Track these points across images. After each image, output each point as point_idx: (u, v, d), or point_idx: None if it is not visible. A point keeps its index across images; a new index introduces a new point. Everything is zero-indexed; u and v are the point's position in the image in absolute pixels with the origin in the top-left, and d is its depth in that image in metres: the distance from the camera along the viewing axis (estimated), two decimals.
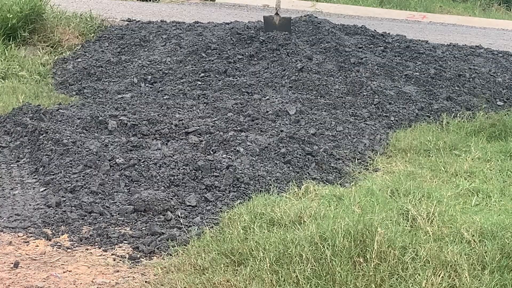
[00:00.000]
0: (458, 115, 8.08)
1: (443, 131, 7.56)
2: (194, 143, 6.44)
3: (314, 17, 10.86)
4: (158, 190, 5.41)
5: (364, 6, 17.95)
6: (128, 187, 5.47)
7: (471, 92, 8.89)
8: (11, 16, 10.34)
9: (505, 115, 8.11)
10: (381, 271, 4.10)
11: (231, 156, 6.09)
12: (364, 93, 8.40)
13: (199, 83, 8.58)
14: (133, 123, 6.85)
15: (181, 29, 10.96)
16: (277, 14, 10.02)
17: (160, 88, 8.50)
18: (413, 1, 20.48)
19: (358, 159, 6.63)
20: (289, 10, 11.69)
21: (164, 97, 8.10)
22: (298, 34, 9.82)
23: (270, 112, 7.35)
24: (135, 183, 5.52)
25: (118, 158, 5.82)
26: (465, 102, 8.57)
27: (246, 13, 13.05)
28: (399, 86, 8.74)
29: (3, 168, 5.87)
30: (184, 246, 4.56)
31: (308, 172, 6.08)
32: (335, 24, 10.70)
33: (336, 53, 9.34)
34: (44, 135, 6.31)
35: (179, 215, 5.10)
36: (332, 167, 6.29)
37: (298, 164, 6.19)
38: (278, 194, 5.46)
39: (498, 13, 22.21)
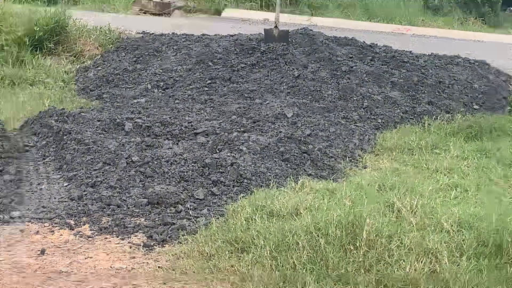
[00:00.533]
0: (438, 117, 8.10)
1: (425, 132, 7.57)
2: (202, 143, 6.45)
3: (309, 30, 10.85)
4: (169, 185, 5.41)
5: (354, 20, 17.94)
6: (143, 182, 5.47)
7: (450, 97, 8.89)
8: (38, 29, 10.37)
9: (481, 117, 8.11)
10: (370, 257, 4.11)
11: (235, 154, 6.09)
12: (354, 98, 8.40)
13: (206, 89, 8.58)
14: (147, 125, 6.86)
15: (190, 41, 10.95)
16: (276, 27, 10.02)
17: (172, 94, 8.50)
18: (398, 16, 20.45)
19: (348, 157, 6.64)
20: (287, 23, 11.67)
21: (175, 102, 8.10)
22: (295, 45, 9.81)
23: (270, 115, 7.35)
24: (149, 179, 5.52)
25: (133, 156, 5.82)
26: (444, 106, 8.57)
27: (249, 26, 13.02)
28: (386, 92, 8.74)
29: (31, 165, 5.87)
30: (193, 235, 4.57)
31: (304, 169, 6.08)
32: (328, 36, 10.69)
33: (329, 62, 9.33)
34: (67, 135, 6.32)
35: (189, 207, 5.11)
36: (326, 164, 6.29)
37: (295, 161, 6.19)
38: (277, 188, 5.46)
39: (475, 26, 22.17)
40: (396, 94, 8.74)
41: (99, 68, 9.99)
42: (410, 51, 10.62)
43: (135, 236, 4.60)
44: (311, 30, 10.93)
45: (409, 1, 25.77)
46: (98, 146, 6.04)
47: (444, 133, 7.58)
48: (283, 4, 15.95)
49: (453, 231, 4.54)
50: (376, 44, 10.69)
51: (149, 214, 4.96)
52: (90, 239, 4.53)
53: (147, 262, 4.20)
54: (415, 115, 8.23)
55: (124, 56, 10.38)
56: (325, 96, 8.31)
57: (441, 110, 8.42)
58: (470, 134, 7.59)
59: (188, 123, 7.00)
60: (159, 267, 4.13)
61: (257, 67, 9.12)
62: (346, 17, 18.54)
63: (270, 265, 4.02)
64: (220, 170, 5.70)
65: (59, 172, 5.79)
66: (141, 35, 11.56)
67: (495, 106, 8.82)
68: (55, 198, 5.22)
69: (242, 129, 6.92)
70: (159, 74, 9.27)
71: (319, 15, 18.06)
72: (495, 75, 9.94)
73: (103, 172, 5.63)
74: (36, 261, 4.15)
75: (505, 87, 9.41)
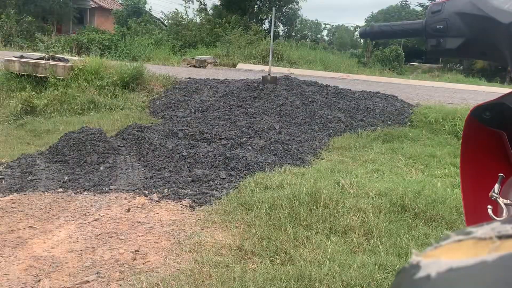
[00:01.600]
0: (366, 129, 8.10)
1: (359, 138, 7.58)
2: (224, 144, 6.45)
3: (289, 76, 10.86)
4: (205, 169, 5.41)
5: (316, 70, 18.01)
6: (189, 168, 5.47)
7: (373, 117, 8.89)
8: (126, 76, 10.42)
9: (392, 129, 8.13)
10: (325, 213, 4.11)
11: (244, 151, 6.09)
12: (316, 117, 8.40)
13: (227, 112, 8.58)
14: (191, 133, 6.86)
15: (217, 82, 10.96)
16: (269, 74, 10.02)
17: (206, 115, 8.50)
18: (342, 67, 20.52)
19: (312, 153, 6.64)
20: (276, 72, 11.66)
21: (208, 120, 8.10)
22: (280, 85, 9.81)
23: (265, 127, 7.36)
24: (192, 166, 5.52)
25: (183, 152, 5.82)
26: (370, 122, 8.56)
27: (253, 74, 13.01)
28: (335, 113, 8.73)
29: (122, 158, 5.89)
30: (219, 200, 4.58)
31: (286, 160, 6.07)
32: (300, 80, 10.68)
33: (301, 96, 9.34)
34: (143, 140, 6.33)
35: (216, 183, 5.11)
36: (299, 157, 6.29)
37: (280, 155, 6.19)
38: (270, 172, 5.47)
39: (389, 73, 22.25)
40: (341, 115, 8.74)
41: (163, 99, 9.99)
42: (349, 89, 10.62)
43: (184, 200, 4.60)
44: (290, 76, 10.95)
45: (348, 59, 25.89)
46: (162, 146, 6.04)
47: (370, 138, 7.59)
48: (273, 61, 15.99)
49: (375, 197, 4.55)
50: (329, 85, 10.69)
51: (193, 187, 4.96)
52: (157, 202, 4.54)
53: (191, 216, 4.21)
54: (353, 127, 8.23)
55: (177, 92, 10.39)
56: (298, 116, 8.31)
57: (368, 124, 8.42)
58: (386, 138, 7.61)
59: (216, 132, 7.00)
60: (199, 219, 4.14)
61: (257, 99, 9.12)
62: (311, 69, 18.60)
63: (266, 218, 4.02)
64: (235, 161, 5.70)
65: (138, 162, 5.80)
66: (188, 79, 11.57)
67: (400, 122, 8.81)
68: (135, 177, 5.24)
69: (248, 136, 6.92)
70: (198, 103, 9.27)
71: (294, 67, 18.13)
72: (401, 103, 9.94)
73: (165, 162, 5.64)
74: (125, 215, 4.17)
75: (407, 110, 9.40)
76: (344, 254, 3.46)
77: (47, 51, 15.70)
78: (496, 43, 1.07)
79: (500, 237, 0.40)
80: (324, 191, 4.41)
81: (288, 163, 5.94)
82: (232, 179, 5.28)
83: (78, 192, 4.76)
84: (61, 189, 4.80)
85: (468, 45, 1.17)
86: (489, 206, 1.12)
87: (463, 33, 1.16)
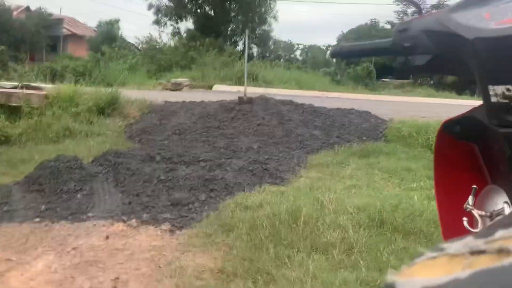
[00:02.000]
0: (343, 145, 8.16)
1: (335, 154, 7.63)
2: (203, 166, 6.41)
3: (265, 96, 10.92)
4: (184, 193, 5.37)
5: (291, 90, 18.19)
6: (168, 192, 5.42)
7: (349, 133, 8.98)
8: (101, 102, 10.35)
9: (368, 144, 8.21)
10: (306, 231, 4.11)
11: (223, 172, 6.06)
12: (293, 136, 8.45)
13: (205, 133, 8.57)
14: (169, 156, 6.81)
15: (193, 105, 10.94)
16: (245, 95, 10.09)
17: (184, 137, 8.48)
18: (317, 86, 20.76)
19: (291, 171, 6.65)
20: (252, 93, 11.69)
21: (186, 142, 8.08)
22: (256, 106, 9.86)
23: (243, 148, 7.37)
24: (171, 189, 5.47)
25: (161, 176, 5.77)
26: (346, 138, 8.65)
27: (229, 95, 13.01)
28: (311, 131, 8.80)
29: (99, 184, 5.81)
30: (199, 223, 4.54)
31: (265, 180, 6.07)
32: (276, 99, 10.76)
33: (277, 115, 9.40)
34: (120, 165, 6.26)
35: (196, 206, 5.07)
36: (278, 176, 6.29)
37: (259, 175, 6.19)
38: (249, 191, 5.46)
39: (362, 90, 22.58)
40: (317, 132, 8.81)
41: (139, 123, 9.92)
42: (325, 107, 10.73)
43: (164, 225, 4.54)
44: (266, 96, 11.02)
45: (322, 77, 26.22)
46: (139, 171, 5.98)
47: (347, 154, 7.65)
48: (249, 81, 16.09)
49: (354, 213, 4.56)
50: (304, 103, 10.78)
51: (172, 211, 4.90)
52: (136, 228, 4.47)
53: (172, 241, 4.17)
54: (329, 144, 8.29)
55: (154, 116, 10.33)
56: (275, 135, 8.35)
57: (344, 140, 8.49)
58: (362, 154, 7.66)
59: (194, 154, 6.96)
60: (179, 243, 4.09)
61: (234, 119, 9.14)
62: (286, 88, 18.78)
63: (246, 239, 4.00)
64: (214, 182, 5.67)
65: (116, 188, 5.72)
66: (164, 102, 11.53)
67: (375, 137, 8.91)
68: (114, 204, 5.17)
69: (227, 157, 6.90)
70: (176, 126, 9.24)
71: (270, 87, 18.27)
72: (375, 119, 10.07)
73: (143, 187, 5.58)
74: (103, 243, 4.10)
75: (381, 126, 9.52)
76: (326, 271, 3.45)
77: (21, 80, 15.50)
78: (462, 58, 1.09)
79: (473, 253, 0.40)
80: (303, 208, 4.41)
81: (267, 182, 5.94)
82: (211, 201, 5.25)
83: (55, 221, 4.66)
84: (38, 219, 4.70)
85: (436, 62, 1.19)
86: (464, 218, 1.14)
87: (430, 50, 1.19)
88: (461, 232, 1.12)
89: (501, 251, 0.39)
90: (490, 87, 1.01)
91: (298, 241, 3.94)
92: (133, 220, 4.65)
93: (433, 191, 1.34)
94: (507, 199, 1.08)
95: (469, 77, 1.16)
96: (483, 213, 1.12)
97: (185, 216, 4.77)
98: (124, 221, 4.62)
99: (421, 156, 7.71)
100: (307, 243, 3.92)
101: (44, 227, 4.49)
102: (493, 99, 1.02)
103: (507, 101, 0.99)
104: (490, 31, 0.98)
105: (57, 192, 5.43)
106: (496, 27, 0.98)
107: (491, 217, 1.10)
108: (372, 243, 3.93)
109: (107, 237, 4.20)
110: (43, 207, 5.02)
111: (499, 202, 1.11)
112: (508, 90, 0.97)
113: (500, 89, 0.99)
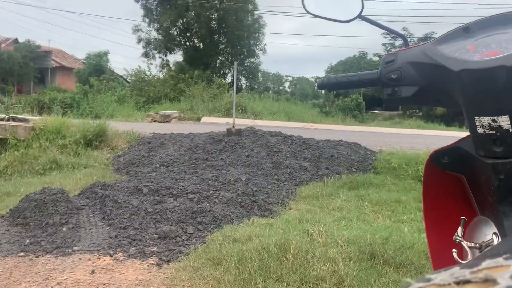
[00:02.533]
0: (332, 177, 8.18)
1: (325, 186, 7.64)
2: (191, 198, 6.38)
3: (253, 128, 10.97)
4: (171, 225, 5.32)
5: (280, 121, 18.30)
6: (155, 224, 5.37)
7: (338, 164, 9.02)
8: (89, 133, 10.33)
9: (357, 176, 8.23)
10: (295, 264, 4.08)
11: (211, 204, 6.04)
12: (282, 167, 8.46)
13: (193, 165, 8.55)
14: (157, 189, 6.77)
15: (182, 136, 10.96)
16: (233, 127, 10.13)
17: (171, 169, 8.45)
18: (306, 117, 20.92)
19: (280, 203, 6.64)
20: (240, 124, 11.75)
21: (174, 174, 8.04)
22: (245, 137, 9.90)
23: (232, 179, 7.34)
24: (158, 222, 5.42)
25: (149, 208, 5.73)
26: (335, 170, 8.68)
27: (217, 127, 13.08)
28: (300, 163, 8.83)
29: (85, 217, 5.74)
30: (187, 256, 4.49)
31: (253, 212, 6.05)
32: (265, 131, 10.81)
33: (266, 146, 9.43)
34: (107, 198, 6.21)
35: (183, 239, 5.02)
36: (267, 208, 6.28)
37: (248, 207, 6.17)
38: (237, 224, 5.43)
39: (351, 121, 22.77)
40: (306, 164, 8.83)
41: (127, 155, 9.89)
42: (313, 138, 10.79)
43: (151, 258, 4.49)
44: (254, 128, 11.07)
45: (311, 109, 26.45)
46: (127, 203, 5.94)
47: (336, 186, 7.66)
48: (237, 113, 16.18)
49: (344, 245, 4.55)
50: (293, 135, 10.84)
51: (159, 244, 4.85)
52: (122, 262, 4.41)
53: (159, 275, 4.11)
54: (318, 176, 8.31)
55: (142, 147, 10.32)
56: (264, 167, 8.35)
57: (334, 172, 8.52)
58: (351, 186, 7.68)
59: (182, 186, 6.93)
60: (166, 277, 4.04)
61: (223, 151, 9.15)
62: (275, 119, 18.89)
63: (235, 273, 3.96)
64: (202, 215, 5.64)
65: (102, 221, 5.67)
66: (152, 134, 11.53)
67: (365, 169, 8.95)
68: (100, 237, 5.10)
69: (215, 189, 6.87)
70: (163, 158, 9.22)
71: (258, 119, 18.38)
72: (364, 151, 10.13)
73: (130, 220, 5.52)
74: (89, 278, 4.03)
75: (371, 157, 9.58)
76: None
77: (7, 112, 15.47)
78: (449, 90, 1.12)
79: (458, 283, 0.41)
80: (293, 241, 4.39)
81: (256, 215, 5.91)
82: (199, 233, 5.20)
83: (40, 255, 4.59)
84: (22, 253, 4.62)
85: (423, 93, 1.22)
86: (454, 250, 1.15)
87: (416, 81, 1.21)
88: (451, 263, 1.12)
89: (487, 281, 0.40)
90: (476, 118, 1.04)
91: (287, 275, 3.91)
92: (120, 254, 4.59)
93: (423, 223, 1.35)
94: (495, 230, 1.10)
95: (455, 109, 1.18)
96: (472, 244, 1.13)
97: (173, 249, 4.72)
98: (111, 255, 4.56)
99: (411, 187, 7.75)
100: (296, 276, 3.89)
101: (28, 261, 4.42)
102: (480, 130, 1.04)
103: (493, 132, 1.01)
104: (475, 63, 1.01)
105: (43, 226, 5.36)
106: (481, 59, 1.02)
107: (480, 248, 1.11)
108: (362, 276, 3.91)
109: (93, 272, 4.14)
110: (27, 241, 4.95)
111: (488, 233, 1.12)
112: (494, 121, 1.00)
113: (486, 120, 1.02)
